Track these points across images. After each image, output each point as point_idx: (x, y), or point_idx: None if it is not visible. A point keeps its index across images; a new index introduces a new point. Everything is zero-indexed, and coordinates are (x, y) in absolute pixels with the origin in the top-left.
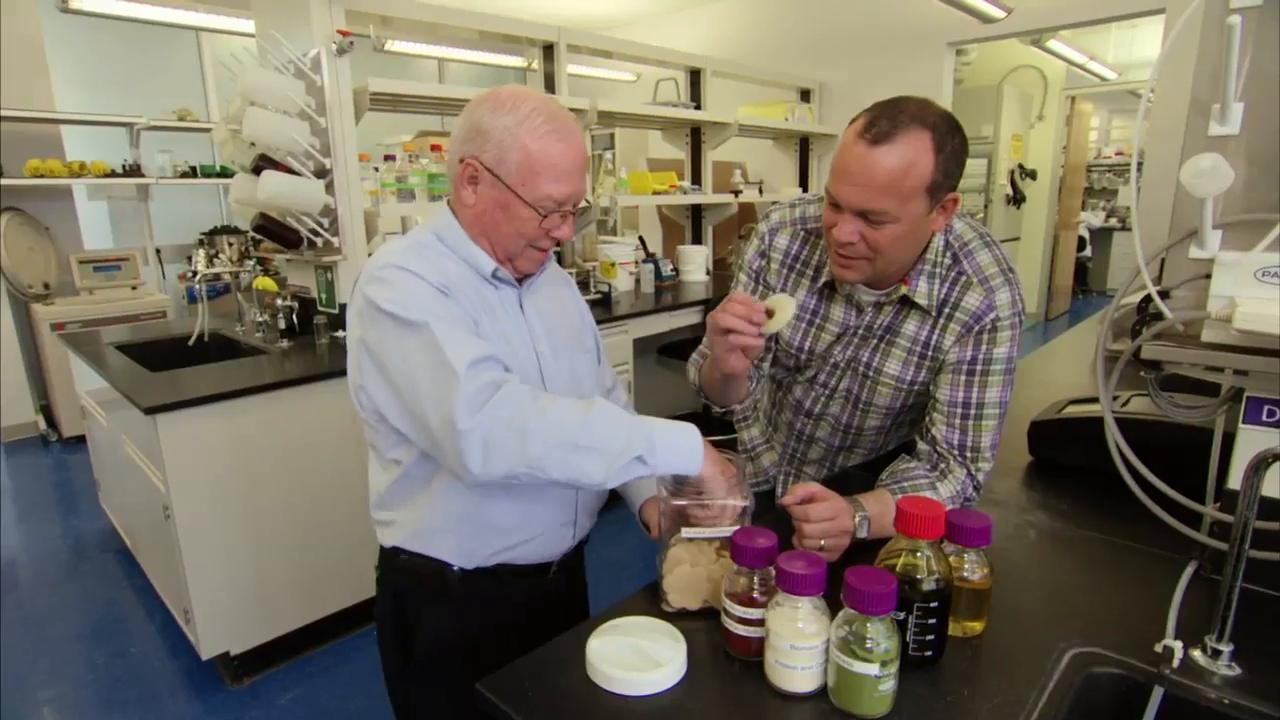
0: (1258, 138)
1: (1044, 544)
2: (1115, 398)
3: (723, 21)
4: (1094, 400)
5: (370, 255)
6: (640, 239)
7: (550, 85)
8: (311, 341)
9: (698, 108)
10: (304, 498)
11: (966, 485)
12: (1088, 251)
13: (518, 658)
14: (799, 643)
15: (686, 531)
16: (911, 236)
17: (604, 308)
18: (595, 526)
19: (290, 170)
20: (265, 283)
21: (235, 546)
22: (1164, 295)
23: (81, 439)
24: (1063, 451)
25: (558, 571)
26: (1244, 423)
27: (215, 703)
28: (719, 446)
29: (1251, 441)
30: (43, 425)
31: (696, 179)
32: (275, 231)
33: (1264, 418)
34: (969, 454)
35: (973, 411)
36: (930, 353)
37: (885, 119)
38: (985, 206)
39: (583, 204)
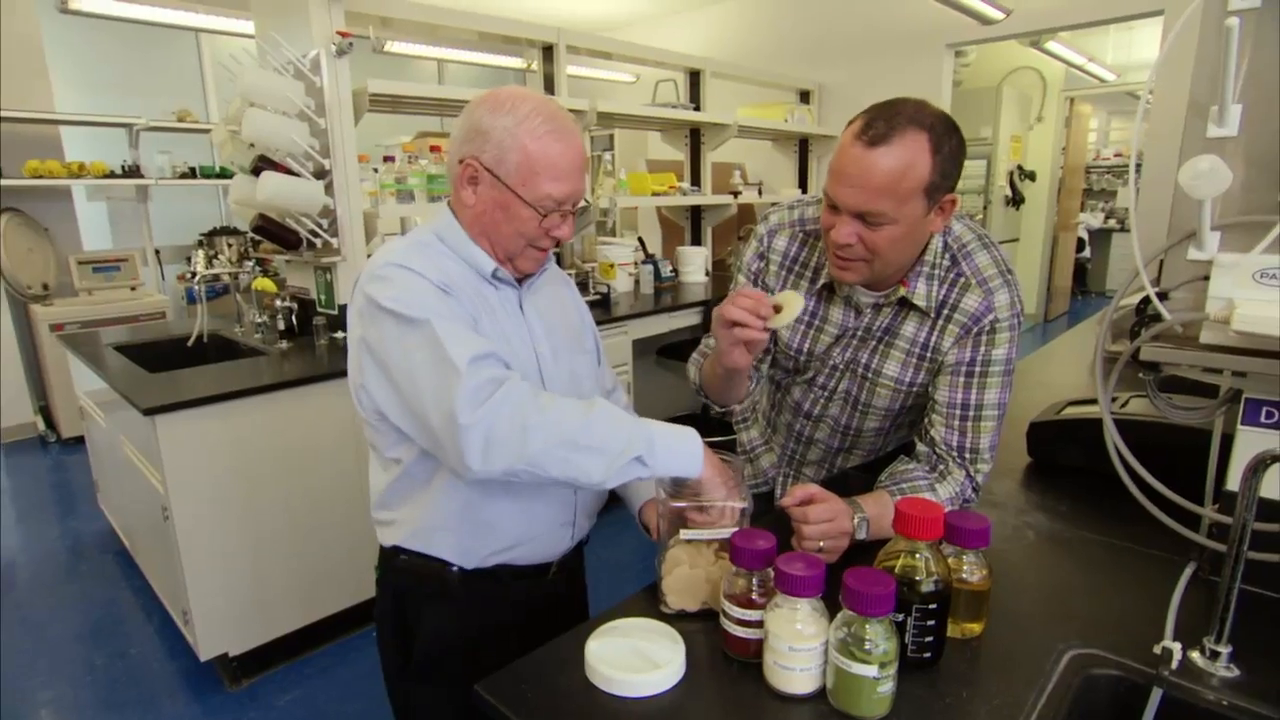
0: (1256, 139)
1: (1043, 545)
2: (1114, 399)
3: (722, 23)
4: (1093, 402)
5: (369, 256)
6: (639, 240)
7: (550, 86)
8: (310, 342)
9: (697, 109)
10: (303, 499)
11: (965, 487)
12: (1087, 253)
13: (517, 658)
14: (797, 644)
15: (685, 533)
16: (909, 238)
17: (603, 309)
18: (594, 528)
19: (289, 171)
20: (264, 284)
21: (234, 548)
22: (1162, 297)
23: (80, 440)
24: (1061, 453)
25: (557, 572)
26: (1242, 424)
27: (214, 704)
28: (718, 448)
29: (1250, 443)
30: (41, 426)
31: (696, 180)
32: (274, 232)
33: (1262, 419)
34: (968, 455)
35: (971, 413)
36: (929, 354)
37: (882, 121)
38: (984, 208)
39: (582, 203)
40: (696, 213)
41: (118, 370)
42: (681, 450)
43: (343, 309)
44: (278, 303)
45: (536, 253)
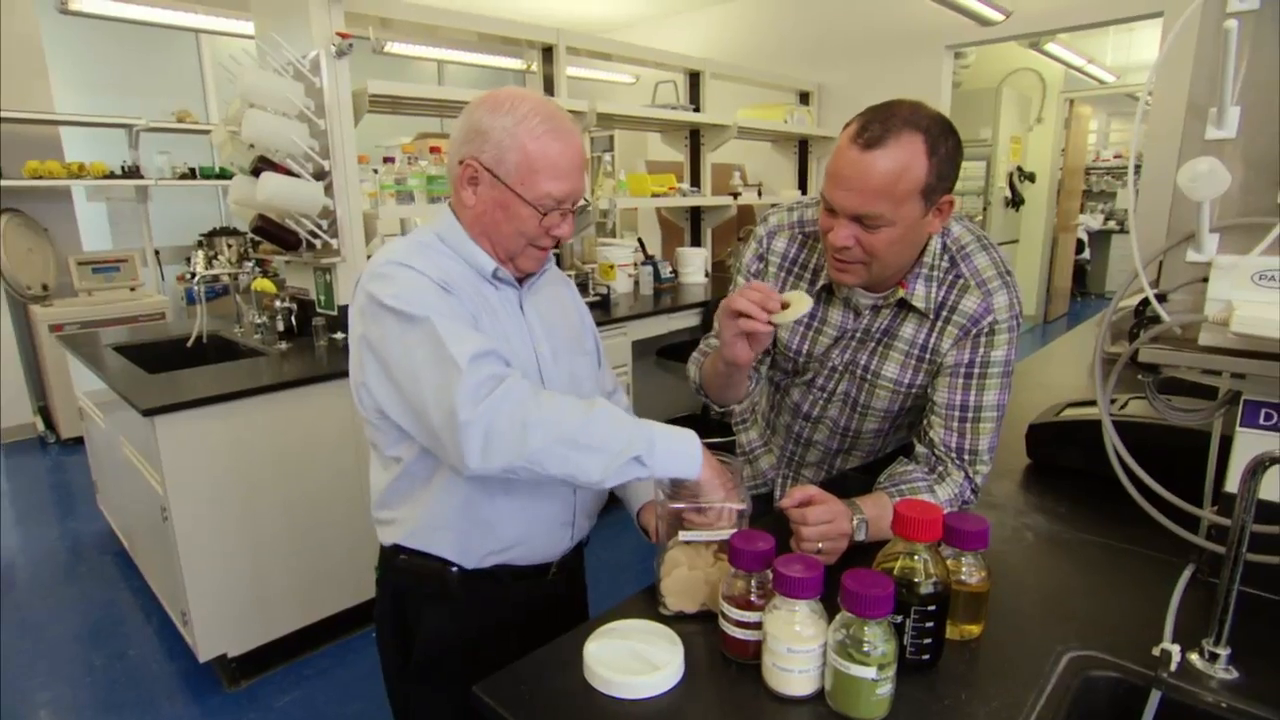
0: (1255, 141)
1: (1042, 547)
2: (1113, 400)
3: (722, 24)
4: (1092, 403)
5: (369, 257)
6: (639, 241)
7: (549, 87)
8: (310, 343)
9: (697, 110)
10: (302, 500)
11: (964, 488)
12: (1086, 254)
13: (517, 659)
14: (796, 646)
15: (684, 535)
16: (907, 240)
17: (603, 310)
18: (594, 529)
19: (289, 172)
20: (264, 284)
21: (233, 548)
22: (1161, 298)
23: (79, 440)
24: (1061, 454)
25: (557, 573)
26: (1241, 426)
27: (213, 705)
28: (717, 449)
29: (1249, 445)
30: (41, 427)
31: (695, 181)
32: (274, 233)
33: (1261, 421)
34: (967, 457)
35: (970, 414)
36: (928, 355)
37: (878, 123)
38: (984, 209)
39: (581, 202)
40: (696, 214)
41: (117, 371)
42: (680, 451)
43: (342, 310)
44: (277, 303)
45: (537, 252)
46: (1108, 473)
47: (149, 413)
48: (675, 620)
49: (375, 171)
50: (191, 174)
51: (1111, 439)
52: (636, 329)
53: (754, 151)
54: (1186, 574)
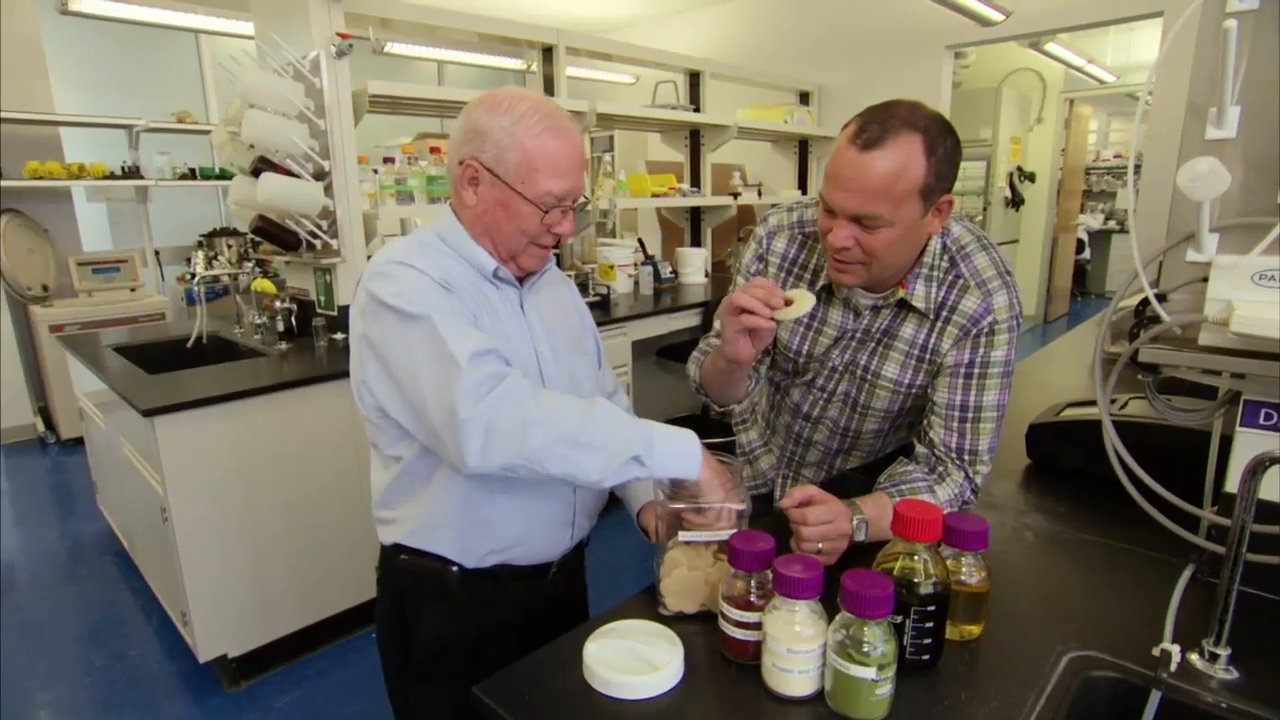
0: (1255, 141)
1: (1042, 547)
2: (1113, 400)
3: (721, 24)
4: (1092, 403)
5: (369, 258)
6: (639, 241)
7: (549, 88)
8: (310, 344)
9: (697, 110)
10: (302, 500)
11: (964, 488)
12: (1086, 254)
13: (517, 659)
14: (796, 646)
15: (684, 535)
16: (906, 240)
17: (603, 310)
18: (594, 529)
19: (289, 172)
20: (264, 285)
21: (233, 549)
22: (1161, 298)
23: (80, 441)
24: (1061, 454)
25: (557, 573)
26: (1241, 426)
27: (213, 706)
28: (717, 450)
29: (1249, 445)
30: (41, 427)
31: (695, 181)
32: (274, 234)
33: (1261, 421)
34: (967, 457)
35: (970, 414)
36: (928, 356)
37: (876, 124)
38: (984, 209)
39: (581, 199)
40: (696, 214)
41: (117, 371)
42: (680, 451)
43: (342, 310)
44: (277, 304)
45: (539, 250)
46: (1108, 473)
47: (149, 413)
48: (675, 620)
49: (375, 172)
50: (191, 174)
51: (1111, 439)
52: (636, 329)
53: (754, 152)
54: (1186, 574)
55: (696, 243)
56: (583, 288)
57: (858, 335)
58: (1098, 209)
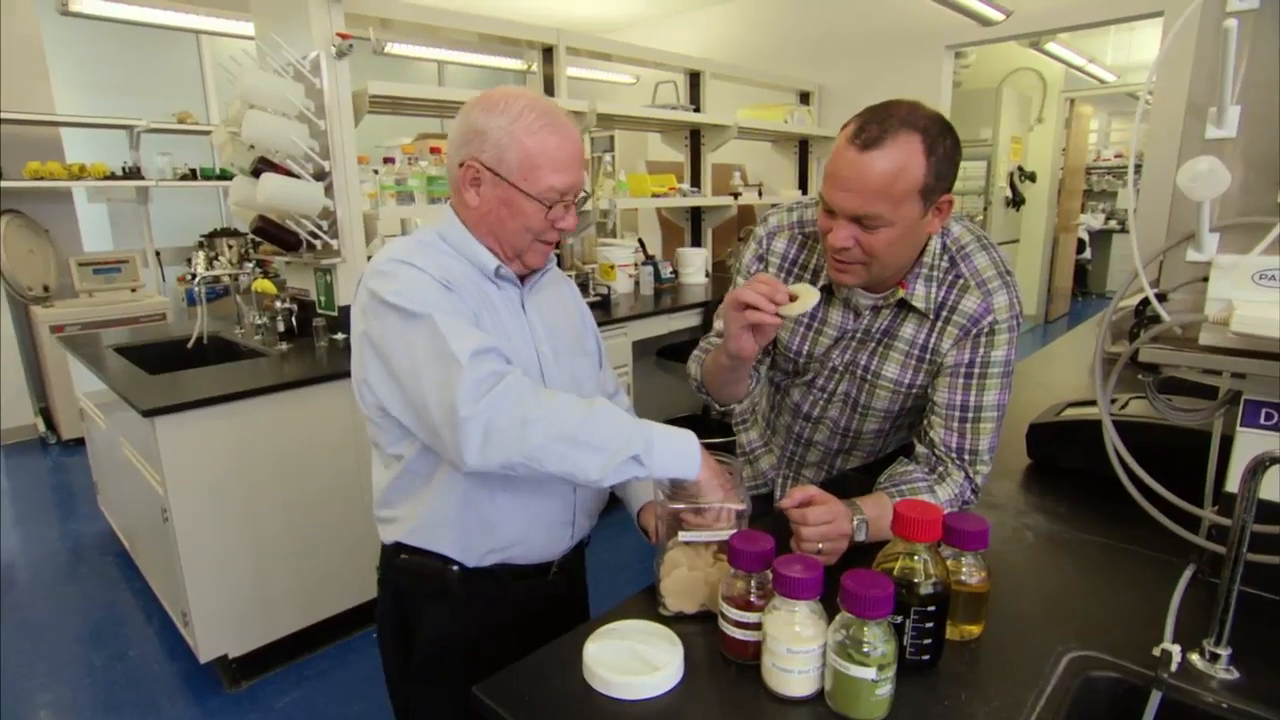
0: (1255, 141)
1: (1042, 547)
2: (1113, 400)
3: (722, 24)
4: (1093, 403)
5: (369, 258)
6: (640, 241)
7: (550, 88)
8: (310, 344)
9: (697, 110)
10: (302, 500)
11: (965, 488)
12: (1087, 254)
13: (518, 659)
14: (796, 647)
15: (684, 535)
16: (906, 240)
17: (603, 310)
18: (595, 529)
19: (289, 173)
20: (264, 285)
21: (234, 549)
22: (1162, 298)
23: (80, 441)
24: (1061, 454)
25: (558, 573)
26: (1242, 426)
27: (213, 706)
28: (717, 450)
29: (1249, 444)
30: (42, 428)
31: (696, 181)
32: (274, 234)
33: (1262, 421)
34: (967, 457)
35: (970, 414)
36: (928, 356)
37: (875, 124)
38: (984, 209)
39: (582, 193)
40: (696, 214)
41: (118, 372)
42: (679, 451)
43: (343, 310)
44: (278, 304)
45: (543, 246)
46: (1108, 473)
47: (149, 413)
48: (675, 621)
49: (375, 172)
50: (192, 175)
51: (1112, 439)
52: (637, 329)
53: (754, 151)
54: (1187, 574)
55: (697, 243)
56: (583, 288)
57: (858, 335)
58: (1098, 209)
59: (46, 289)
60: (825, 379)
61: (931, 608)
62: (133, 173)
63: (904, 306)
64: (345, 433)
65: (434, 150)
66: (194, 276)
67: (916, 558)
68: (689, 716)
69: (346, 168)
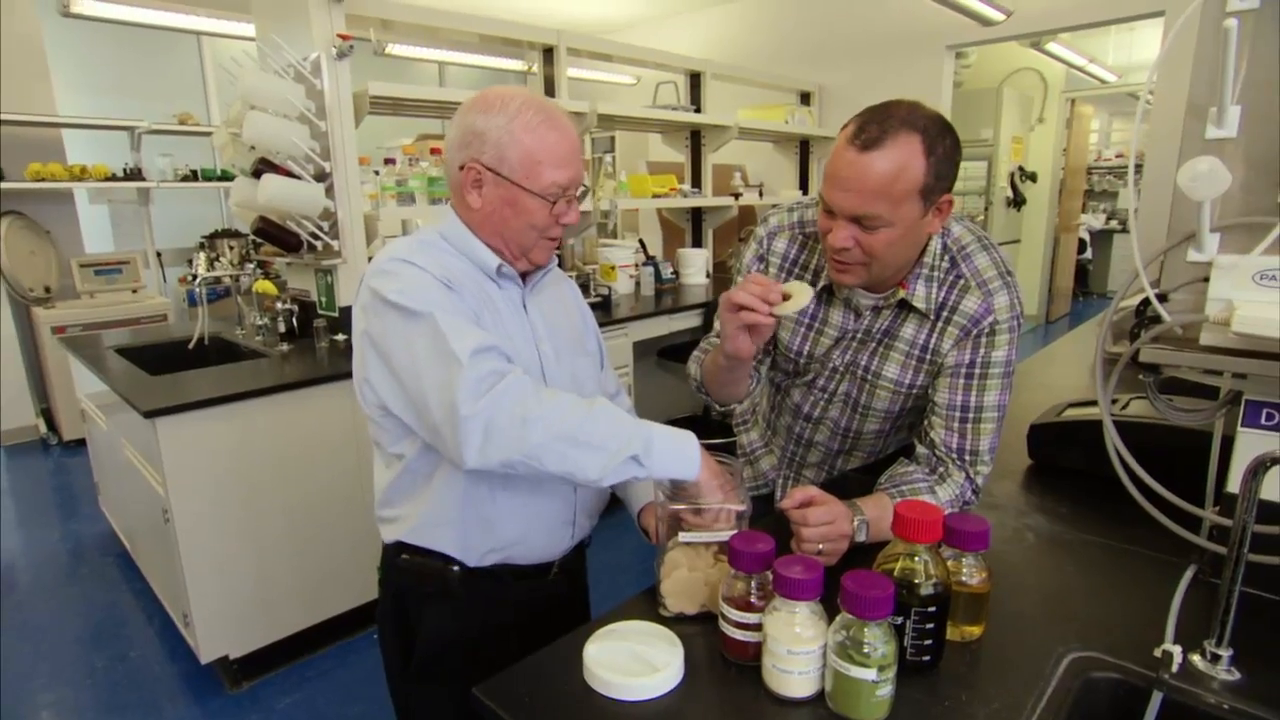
0: (1255, 141)
1: (1043, 547)
2: (1114, 401)
3: (722, 25)
4: (1093, 403)
5: (370, 259)
6: (640, 242)
7: (550, 88)
8: (311, 345)
9: (697, 111)
10: (303, 501)
11: (965, 489)
12: (1089, 254)
13: (518, 659)
14: (796, 648)
15: (684, 536)
16: (906, 240)
17: (604, 310)
18: (595, 530)
19: (290, 174)
20: (265, 286)
21: (235, 550)
22: (1162, 298)
23: (82, 442)
24: (1062, 455)
25: (558, 573)
26: (1243, 426)
27: (214, 707)
28: (717, 450)
29: (1250, 445)
30: (43, 428)
31: (696, 182)
32: (275, 235)
33: (1263, 421)
34: (968, 457)
35: (971, 415)
36: (929, 356)
37: (875, 124)
38: (985, 209)
39: (583, 186)
40: (697, 214)
41: (119, 373)
42: (679, 452)
43: (344, 311)
44: (278, 305)
45: (548, 243)
46: (1109, 473)
47: (150, 414)
48: (675, 622)
49: (376, 173)
50: (193, 176)
51: (1113, 439)
52: (638, 330)
53: (755, 152)
54: (1188, 575)
55: (698, 243)
56: (584, 288)
57: (858, 336)
58: (1099, 209)
59: (48, 290)
60: (826, 379)
61: (932, 608)
62: (134, 174)
63: (905, 307)
64: (346, 433)
65: (434, 151)
66: (195, 277)
67: (917, 558)
68: (689, 718)
69: (347, 169)
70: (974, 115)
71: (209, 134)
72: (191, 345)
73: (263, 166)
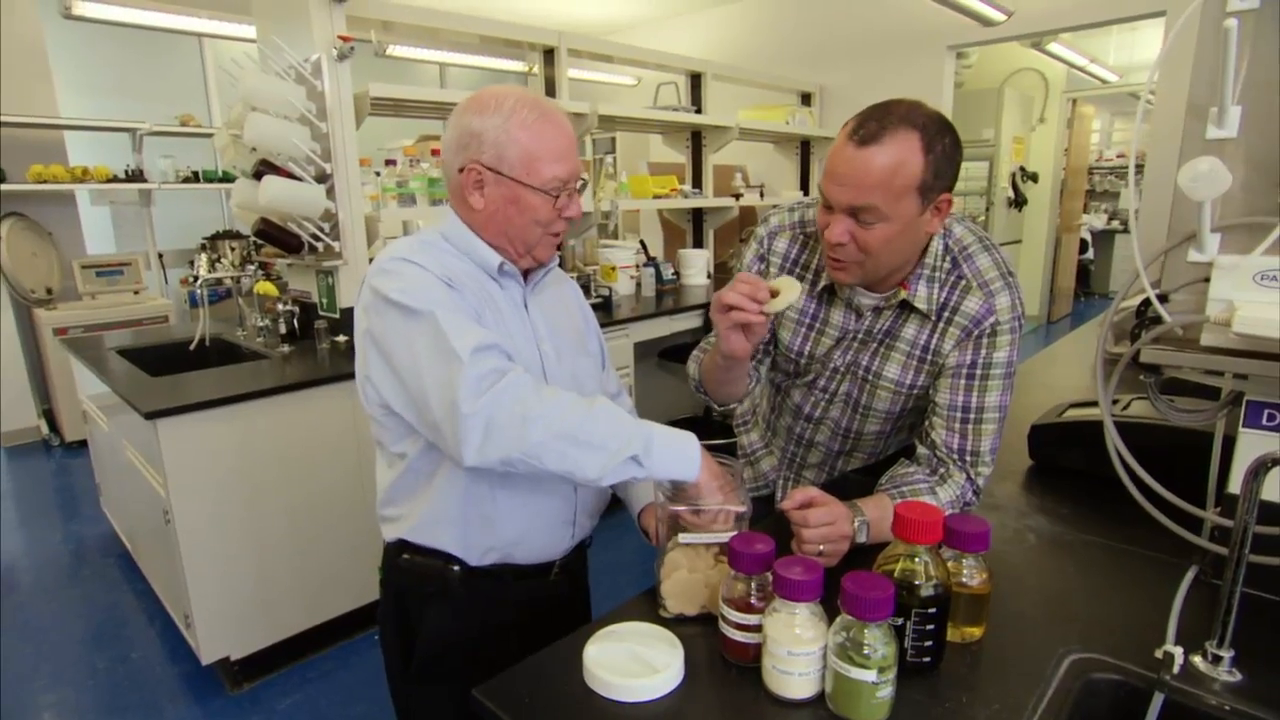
0: (1256, 141)
1: (1043, 548)
2: (1115, 401)
3: (723, 25)
4: (1094, 404)
5: (371, 260)
6: (641, 243)
7: (551, 89)
8: (312, 346)
9: (698, 111)
10: (304, 502)
11: (966, 490)
12: (1090, 254)
13: (519, 660)
14: (796, 649)
15: (684, 537)
16: (904, 238)
17: (605, 311)
18: (596, 530)
19: (291, 175)
20: (266, 287)
21: (236, 551)
22: (1163, 299)
23: (83, 443)
24: (1063, 455)
25: (559, 573)
26: (1244, 427)
27: (215, 708)
28: (717, 451)
29: (1251, 445)
30: (45, 430)
31: (697, 182)
32: (276, 236)
33: (1264, 422)
34: (969, 458)
35: (972, 416)
36: (930, 357)
37: (874, 121)
38: (987, 209)
39: (581, 180)
40: (698, 215)
41: (120, 374)
42: (679, 453)
43: (344, 312)
44: (279, 306)
45: (552, 239)
46: (1110, 474)
47: (151, 415)
48: (675, 623)
49: (377, 174)
50: (194, 177)
51: (1114, 440)
52: (638, 331)
53: (756, 152)
54: (1189, 575)
55: (699, 244)
56: (585, 289)
57: (859, 336)
58: (1101, 209)
59: (50, 291)
60: (826, 380)
61: (932, 610)
62: (135, 175)
63: (906, 307)
64: (347, 434)
65: (435, 152)
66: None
67: (917, 559)
68: (689, 719)
69: (348, 170)
70: (975, 115)
71: (210, 135)
72: (193, 346)
73: (264, 168)
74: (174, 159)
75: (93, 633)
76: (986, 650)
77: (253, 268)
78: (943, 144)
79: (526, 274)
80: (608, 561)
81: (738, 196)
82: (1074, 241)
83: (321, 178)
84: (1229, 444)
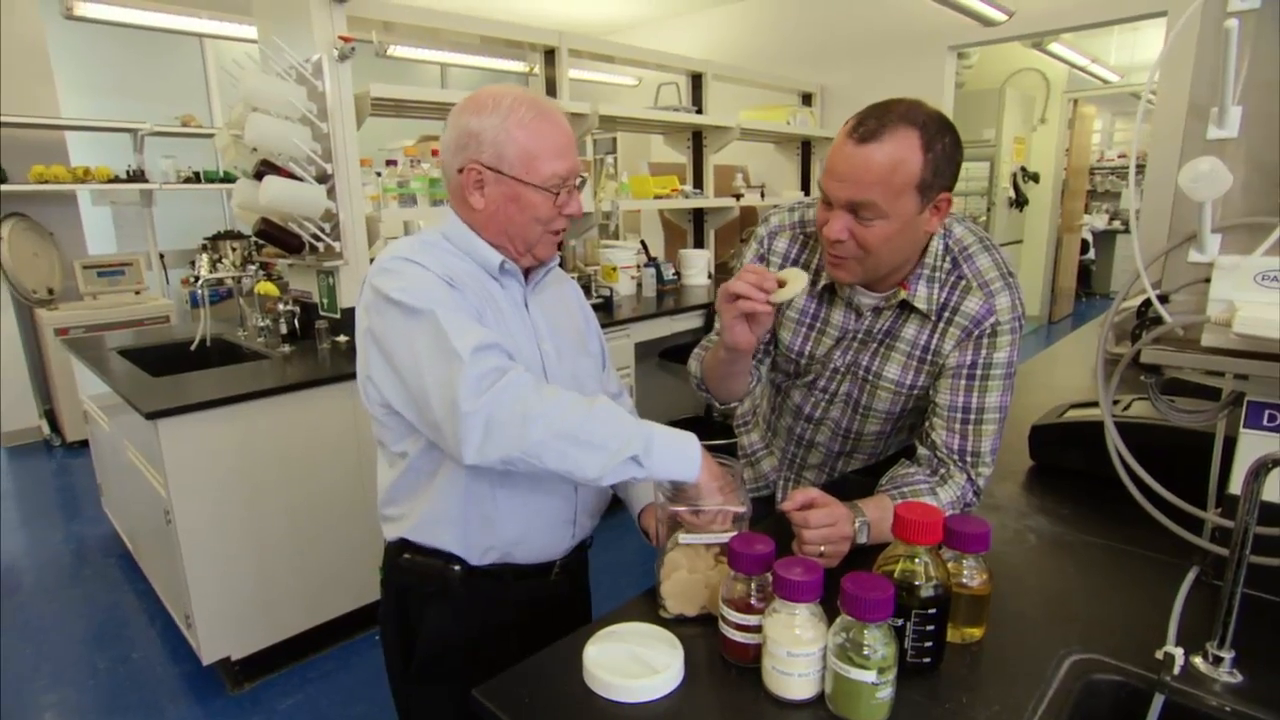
0: (1257, 141)
1: (1044, 549)
2: (1116, 402)
3: (724, 25)
4: (1095, 404)
5: (372, 260)
6: (642, 243)
7: (551, 90)
8: (313, 346)
9: (699, 112)
10: (305, 502)
11: (966, 490)
12: (1091, 254)
13: (519, 660)
14: (796, 649)
15: (684, 537)
16: (903, 236)
17: (605, 312)
18: (596, 530)
19: (292, 175)
20: (267, 288)
21: (237, 551)
22: (1164, 299)
23: (84, 444)
24: (1063, 456)
25: (560, 573)
26: (1245, 427)
27: (216, 708)
28: (718, 452)
29: (1252, 446)
30: (46, 430)
31: (698, 183)
32: (277, 236)
33: (1265, 422)
34: (969, 459)
35: (973, 416)
36: (930, 357)
37: (874, 118)
38: (988, 210)
39: (580, 177)
40: (699, 215)
41: (121, 374)
42: (679, 453)
43: (345, 312)
44: (280, 306)
45: (552, 236)
46: (1110, 474)
47: (152, 416)
48: (675, 623)
49: (378, 174)
50: (196, 178)
51: (1114, 440)
52: (639, 331)
53: (756, 153)
54: (1190, 576)
55: (699, 244)
56: (586, 290)
57: (859, 336)
58: (1102, 209)
59: (51, 292)
60: (827, 380)
61: (932, 610)
62: (137, 176)
63: (906, 307)
64: (347, 434)
65: (435, 153)
66: (197, 279)
67: (917, 560)
68: (689, 719)
69: (349, 170)
70: (976, 116)
71: (211, 136)
72: (193, 347)
73: (265, 168)
74: (175, 159)
75: (94, 633)
76: (987, 651)
77: (254, 268)
78: (942, 143)
79: (527, 273)
80: (608, 561)
81: (738, 197)
82: (1075, 242)
83: (322, 178)
84: (1230, 445)
